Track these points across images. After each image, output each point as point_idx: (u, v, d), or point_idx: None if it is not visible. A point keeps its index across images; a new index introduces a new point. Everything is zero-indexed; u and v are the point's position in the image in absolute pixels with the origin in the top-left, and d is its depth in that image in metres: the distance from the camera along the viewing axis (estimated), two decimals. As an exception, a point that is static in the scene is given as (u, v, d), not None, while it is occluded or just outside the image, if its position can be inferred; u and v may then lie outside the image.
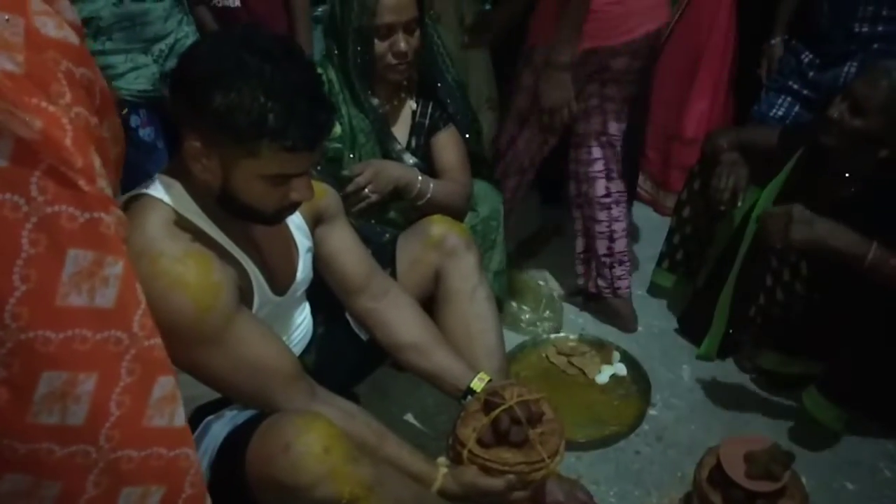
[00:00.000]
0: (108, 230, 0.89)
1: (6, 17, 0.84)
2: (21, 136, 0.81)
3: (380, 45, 1.59)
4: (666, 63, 2.47)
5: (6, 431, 0.86)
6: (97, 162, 0.90)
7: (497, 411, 1.29)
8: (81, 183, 0.85)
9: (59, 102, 0.87)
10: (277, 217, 1.19)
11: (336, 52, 1.65)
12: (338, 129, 1.65)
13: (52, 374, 0.86)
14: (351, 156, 1.68)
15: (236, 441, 1.14)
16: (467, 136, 1.82)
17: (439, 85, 1.77)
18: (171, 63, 1.63)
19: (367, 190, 1.62)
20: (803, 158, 1.75)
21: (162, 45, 1.69)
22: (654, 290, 2.27)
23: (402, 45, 1.59)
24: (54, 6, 0.95)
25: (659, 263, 2.20)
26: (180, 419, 0.98)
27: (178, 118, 1.12)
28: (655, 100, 2.54)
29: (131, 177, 1.16)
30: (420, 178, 1.67)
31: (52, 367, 0.86)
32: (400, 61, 1.61)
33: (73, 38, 0.94)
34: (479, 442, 1.29)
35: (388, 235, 1.63)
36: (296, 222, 1.33)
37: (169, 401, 0.96)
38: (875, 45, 1.96)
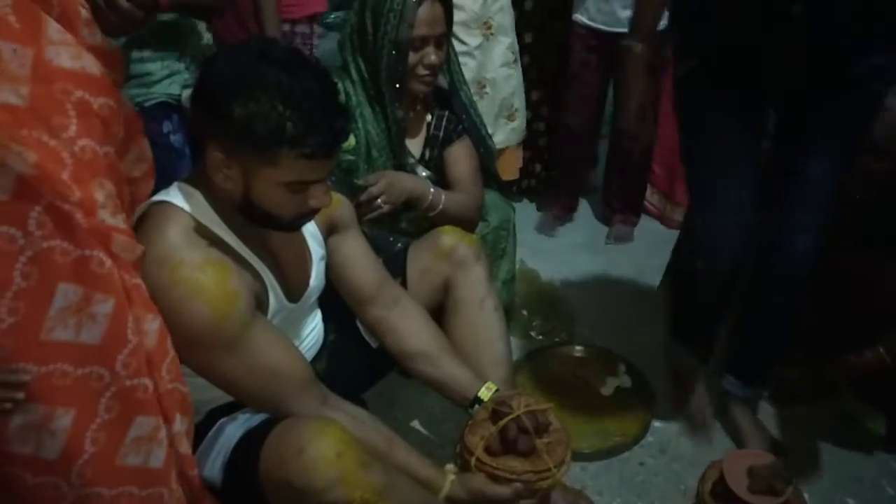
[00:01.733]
0: (100, 268, 0.89)
1: (14, 49, 0.85)
2: (20, 172, 0.82)
3: (413, 57, 1.64)
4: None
5: None
6: (101, 194, 0.90)
7: (505, 420, 1.30)
8: (78, 216, 0.86)
9: (60, 136, 0.87)
10: (296, 224, 1.22)
11: (362, 65, 1.69)
12: (352, 140, 1.68)
13: (28, 406, 0.87)
14: (365, 167, 1.72)
15: (250, 443, 1.16)
16: (481, 150, 1.85)
17: (454, 98, 1.80)
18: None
19: (379, 200, 1.64)
20: None
21: (192, 53, 1.77)
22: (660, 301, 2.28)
23: (433, 58, 1.65)
24: (79, 33, 0.95)
25: (666, 275, 2.21)
26: (157, 460, 0.98)
27: (200, 130, 1.15)
28: (662, 114, 2.56)
29: (161, 179, 1.21)
30: (432, 189, 1.70)
31: (30, 401, 0.87)
32: (429, 73, 1.67)
33: (93, 68, 0.95)
34: (487, 450, 1.30)
35: (399, 245, 1.65)
36: (310, 231, 1.36)
37: (146, 441, 0.97)
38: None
